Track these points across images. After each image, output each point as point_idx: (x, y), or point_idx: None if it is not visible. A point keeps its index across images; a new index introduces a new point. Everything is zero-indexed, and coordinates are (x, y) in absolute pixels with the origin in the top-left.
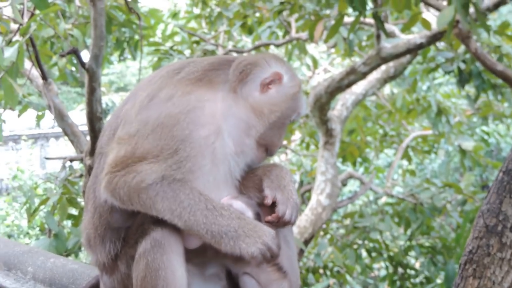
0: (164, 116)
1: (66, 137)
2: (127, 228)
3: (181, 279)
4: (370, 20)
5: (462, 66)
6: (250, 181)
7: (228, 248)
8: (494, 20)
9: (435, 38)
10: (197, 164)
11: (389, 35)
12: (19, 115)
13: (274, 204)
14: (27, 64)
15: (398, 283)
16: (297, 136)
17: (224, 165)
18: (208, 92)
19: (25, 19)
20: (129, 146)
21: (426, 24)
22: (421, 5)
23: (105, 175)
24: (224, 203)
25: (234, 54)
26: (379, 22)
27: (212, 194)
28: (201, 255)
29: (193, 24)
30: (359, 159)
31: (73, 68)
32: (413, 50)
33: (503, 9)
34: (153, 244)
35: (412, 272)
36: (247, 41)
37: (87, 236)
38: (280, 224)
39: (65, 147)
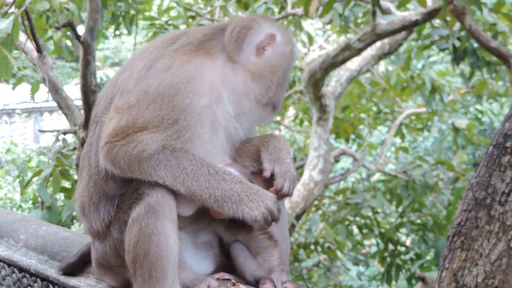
0: (164, 86)
1: (60, 111)
2: (121, 195)
3: (173, 246)
4: None
5: (457, 43)
6: (247, 150)
7: (231, 212)
8: None
9: (430, 15)
10: (196, 133)
11: (385, 11)
12: (13, 88)
13: (271, 176)
14: (22, 37)
15: (388, 259)
16: (291, 112)
17: (223, 134)
18: (207, 62)
19: None
20: (129, 116)
21: (421, 1)
22: None
23: (104, 144)
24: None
25: None
26: None
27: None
28: (194, 223)
29: None
30: (352, 136)
31: (69, 42)
32: (408, 27)
33: None
34: (147, 210)
35: (403, 249)
36: (242, 17)
37: (82, 204)
38: (278, 197)
39: (59, 121)
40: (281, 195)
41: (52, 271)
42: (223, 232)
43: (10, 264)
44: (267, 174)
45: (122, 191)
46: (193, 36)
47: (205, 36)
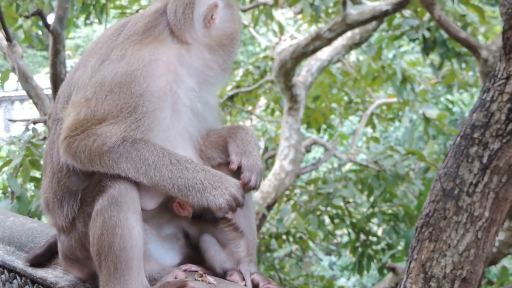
0: (121, 75)
1: (30, 100)
2: (84, 188)
3: (137, 237)
4: None
5: (427, 34)
6: (214, 141)
7: (195, 200)
8: None
9: (400, 5)
10: (156, 119)
11: (355, 1)
12: None
13: (238, 168)
14: None
15: (360, 249)
16: (262, 102)
17: (187, 115)
18: (159, 47)
19: None
20: (88, 108)
21: None
22: None
23: (64, 139)
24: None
25: None
26: None
27: (176, 150)
28: (157, 217)
29: None
30: (323, 126)
31: (39, 31)
32: (378, 17)
33: None
34: (110, 202)
35: (374, 239)
36: None
37: (46, 200)
38: (245, 189)
39: (29, 110)
40: (248, 188)
41: (19, 262)
42: (188, 227)
43: None
44: (234, 166)
45: (85, 184)
46: (136, 26)
47: (147, 24)
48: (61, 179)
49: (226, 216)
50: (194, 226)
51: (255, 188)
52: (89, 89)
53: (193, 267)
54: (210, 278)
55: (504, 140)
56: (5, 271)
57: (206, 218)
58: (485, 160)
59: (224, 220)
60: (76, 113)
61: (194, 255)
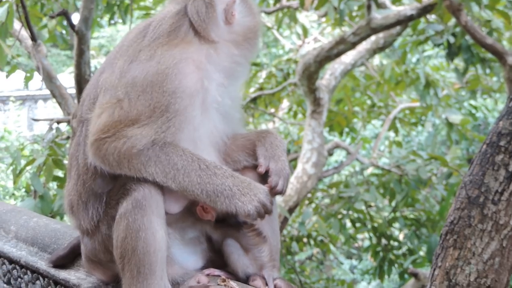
0: (152, 74)
1: (54, 99)
2: (108, 191)
3: (161, 241)
4: None
5: (452, 39)
6: (242, 144)
7: (224, 206)
8: None
9: (425, 10)
10: (188, 118)
11: (380, 6)
12: (7, 76)
13: (265, 172)
14: (17, 25)
15: (381, 254)
16: (285, 104)
17: (213, 114)
18: (188, 47)
19: None
20: (121, 109)
21: None
22: None
23: (94, 141)
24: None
25: None
26: None
27: (202, 152)
28: (180, 221)
29: None
30: (346, 129)
31: (63, 31)
32: (403, 21)
33: None
34: (134, 205)
35: (396, 243)
36: None
37: (70, 203)
38: (271, 194)
39: (53, 109)
40: (274, 192)
41: (42, 263)
42: (211, 231)
43: (0, 255)
44: (262, 169)
45: (110, 187)
46: (160, 28)
47: (171, 25)
48: (87, 181)
49: (250, 222)
50: (217, 230)
51: (282, 193)
52: (120, 90)
53: (216, 272)
54: (233, 283)
55: None
56: (28, 272)
57: (229, 223)
58: (511, 168)
59: (248, 225)
60: (108, 114)
61: (216, 259)
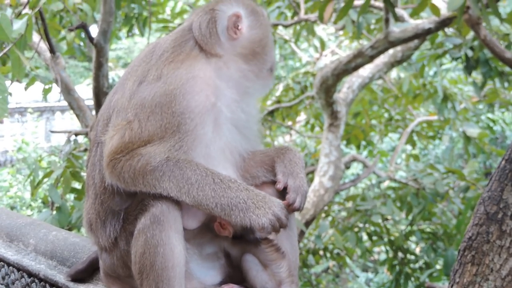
0: (160, 95)
1: (71, 111)
2: (126, 207)
3: (179, 256)
4: (379, 3)
5: (470, 53)
6: (260, 160)
7: (238, 220)
8: (504, 7)
9: (443, 23)
10: (199, 136)
11: (398, 19)
12: (26, 88)
13: (284, 189)
14: (36, 37)
15: (397, 267)
16: (302, 117)
17: (229, 128)
18: (195, 63)
19: None
20: (131, 131)
21: (435, 10)
22: None
23: (109, 161)
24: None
25: None
26: (389, 5)
27: (217, 168)
28: (199, 237)
29: (202, 2)
30: (363, 142)
31: (81, 43)
32: (421, 35)
33: None
34: (152, 220)
35: (412, 257)
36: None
37: (89, 221)
38: (289, 210)
39: (70, 121)
40: (291, 209)
41: (61, 277)
42: (230, 247)
43: (19, 268)
44: (280, 186)
45: (127, 204)
46: (165, 45)
47: (175, 40)
48: (105, 201)
49: (268, 237)
50: (236, 246)
51: (299, 209)
52: (130, 112)
53: (235, 287)
54: None
55: None
56: (47, 285)
57: (247, 239)
58: None
59: (266, 240)
60: (120, 135)
61: (235, 274)
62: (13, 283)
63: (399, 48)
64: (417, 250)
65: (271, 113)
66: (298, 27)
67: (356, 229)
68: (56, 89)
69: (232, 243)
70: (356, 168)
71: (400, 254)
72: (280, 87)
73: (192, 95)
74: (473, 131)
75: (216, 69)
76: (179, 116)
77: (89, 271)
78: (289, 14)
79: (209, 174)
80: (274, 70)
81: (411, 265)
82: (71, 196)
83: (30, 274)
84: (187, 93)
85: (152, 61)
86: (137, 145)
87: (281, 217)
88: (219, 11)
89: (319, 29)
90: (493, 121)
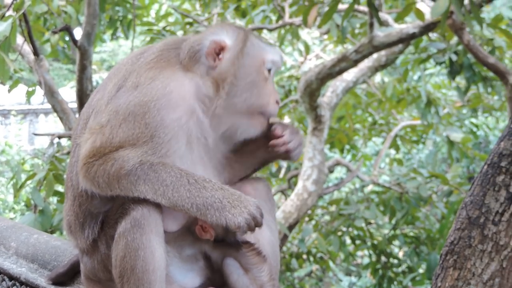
0: (134, 104)
1: (55, 114)
2: (106, 211)
3: (160, 260)
4: (364, 7)
5: (454, 57)
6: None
7: (214, 219)
8: (488, 12)
9: (428, 28)
10: (172, 149)
11: (382, 23)
12: (9, 90)
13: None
14: (19, 39)
15: (380, 271)
16: (286, 120)
17: (199, 147)
18: (173, 75)
19: None
20: (103, 136)
21: (419, 15)
22: None
23: (82, 165)
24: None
25: None
26: (374, 10)
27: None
28: (179, 240)
29: (187, 5)
30: (347, 146)
31: (65, 45)
32: (405, 39)
33: (497, 2)
34: (133, 224)
35: (395, 261)
36: (240, 24)
37: (68, 223)
38: (283, 149)
39: (54, 124)
40: (285, 148)
41: (42, 280)
42: (211, 250)
43: (0, 271)
44: (278, 131)
45: (107, 207)
46: (153, 49)
47: (165, 44)
48: (83, 203)
49: (249, 241)
50: (217, 250)
51: (292, 153)
52: (104, 116)
53: None
54: None
55: None
56: None
57: (228, 242)
58: (511, 189)
59: (247, 244)
60: (92, 140)
61: (215, 278)
62: None
63: (383, 52)
64: (400, 254)
65: None
66: (282, 31)
67: (339, 233)
68: (39, 92)
69: (213, 246)
70: (339, 172)
71: (383, 258)
72: None
73: (167, 110)
74: (457, 135)
75: (193, 85)
76: (152, 128)
77: (70, 275)
78: (273, 17)
79: (184, 175)
80: (270, 117)
81: (394, 269)
82: (54, 199)
83: (11, 278)
84: (162, 108)
85: (136, 65)
86: (109, 150)
87: (257, 216)
88: (209, 33)
89: (304, 33)
90: (477, 126)
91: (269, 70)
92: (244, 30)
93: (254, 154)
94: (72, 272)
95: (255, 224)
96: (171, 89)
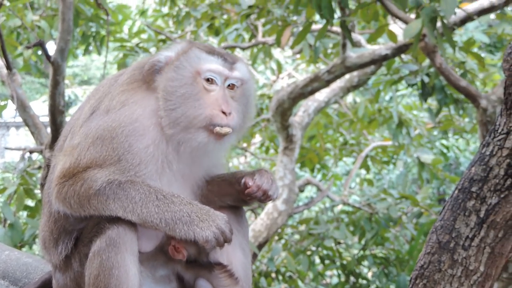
0: (103, 129)
1: (27, 128)
2: (81, 228)
3: (133, 279)
4: (337, 28)
5: (426, 79)
6: (217, 184)
7: (182, 233)
8: (460, 35)
9: (400, 50)
10: (141, 172)
11: (355, 44)
12: None
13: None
14: None
15: None
16: (257, 139)
17: (171, 170)
18: (141, 100)
19: None
20: (72, 157)
21: (392, 36)
22: (389, 17)
23: (55, 186)
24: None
25: None
26: (346, 31)
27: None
28: (152, 259)
29: (160, 22)
30: (317, 166)
31: (38, 60)
32: (378, 61)
33: (470, 25)
34: (108, 243)
35: (364, 282)
36: (213, 42)
37: (43, 239)
38: (260, 193)
39: (25, 137)
40: (263, 191)
41: None
42: (183, 271)
43: None
44: (247, 180)
45: (82, 225)
46: (129, 70)
47: (138, 63)
48: (58, 219)
49: (222, 263)
50: (189, 270)
51: (270, 194)
52: (76, 139)
53: None
54: None
55: (502, 195)
56: None
57: (201, 263)
58: (482, 214)
59: (220, 266)
60: (63, 162)
61: None
62: None
63: (355, 73)
64: (369, 275)
65: None
66: (255, 49)
67: (308, 253)
68: (11, 106)
69: (186, 267)
70: (310, 191)
71: (352, 278)
72: None
73: (135, 137)
74: (427, 157)
75: (154, 106)
76: (120, 153)
77: None
78: (246, 36)
79: (152, 191)
80: (218, 128)
81: None
82: (24, 214)
83: None
84: (129, 135)
85: (112, 87)
86: (77, 170)
87: (225, 230)
88: (163, 49)
89: (276, 51)
90: (447, 147)
91: (211, 80)
92: (188, 43)
93: (229, 196)
94: None
95: (224, 239)
96: (137, 116)
